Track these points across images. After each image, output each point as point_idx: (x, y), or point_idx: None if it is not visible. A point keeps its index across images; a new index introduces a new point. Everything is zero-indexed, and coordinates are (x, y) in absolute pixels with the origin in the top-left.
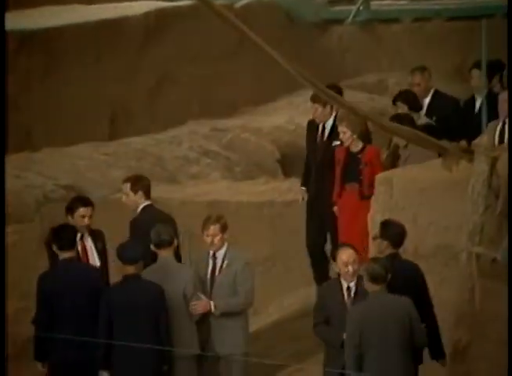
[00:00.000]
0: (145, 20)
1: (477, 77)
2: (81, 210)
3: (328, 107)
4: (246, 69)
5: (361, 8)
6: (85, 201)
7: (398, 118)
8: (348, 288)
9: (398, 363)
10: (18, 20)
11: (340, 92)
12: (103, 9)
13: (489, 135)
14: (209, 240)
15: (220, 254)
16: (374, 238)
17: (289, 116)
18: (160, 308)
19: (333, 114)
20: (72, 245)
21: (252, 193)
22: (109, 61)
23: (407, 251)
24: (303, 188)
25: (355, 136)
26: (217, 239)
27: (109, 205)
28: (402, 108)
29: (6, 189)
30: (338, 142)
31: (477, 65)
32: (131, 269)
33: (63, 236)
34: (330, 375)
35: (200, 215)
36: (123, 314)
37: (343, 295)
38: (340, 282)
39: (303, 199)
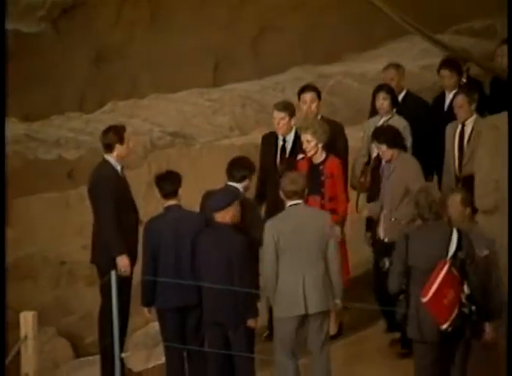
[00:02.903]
0: None
1: (448, 77)
2: None
3: (294, 118)
4: (349, 17)
5: None
6: None
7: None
8: None
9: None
10: None
11: (318, 93)
12: None
13: (449, 141)
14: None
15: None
16: None
17: (393, 61)
18: (245, 257)
19: (294, 127)
20: (175, 193)
21: (354, 138)
22: (213, 9)
23: None
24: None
25: (320, 146)
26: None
27: (215, 151)
28: (385, 99)
29: None
30: (302, 156)
31: (447, 63)
32: (219, 217)
33: (166, 184)
34: None
35: None
36: (208, 258)
37: None
38: None
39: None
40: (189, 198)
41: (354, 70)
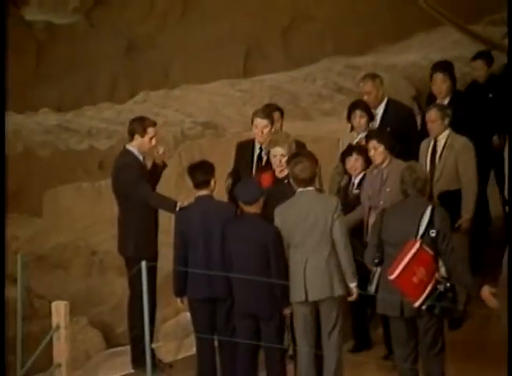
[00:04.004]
0: None
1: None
2: None
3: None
4: (380, 8)
5: None
6: None
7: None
8: None
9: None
10: None
11: (281, 112)
12: None
13: (421, 157)
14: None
15: None
16: None
17: (424, 52)
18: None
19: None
20: (207, 183)
21: None
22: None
23: None
24: None
25: (283, 161)
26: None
27: None
28: (362, 117)
29: None
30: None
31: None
32: (251, 209)
33: (198, 174)
34: None
35: (331, 152)
36: (240, 248)
37: None
38: None
39: None
40: (219, 188)
41: (384, 61)
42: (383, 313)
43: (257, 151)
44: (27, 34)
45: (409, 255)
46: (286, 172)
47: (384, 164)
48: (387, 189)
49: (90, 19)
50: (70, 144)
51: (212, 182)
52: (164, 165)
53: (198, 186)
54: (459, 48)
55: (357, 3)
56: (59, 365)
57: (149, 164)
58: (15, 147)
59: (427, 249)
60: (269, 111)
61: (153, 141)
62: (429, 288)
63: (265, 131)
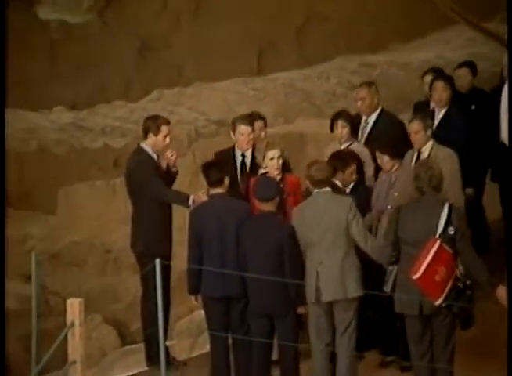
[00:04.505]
0: None
1: (441, 89)
2: None
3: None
4: (394, 6)
5: None
6: None
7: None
8: None
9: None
10: None
11: (265, 121)
12: None
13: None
14: None
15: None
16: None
17: (439, 51)
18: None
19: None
20: (221, 181)
21: None
22: None
23: None
24: None
25: (280, 163)
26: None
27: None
28: (344, 127)
29: None
30: (264, 171)
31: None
32: (266, 206)
33: (212, 172)
34: None
35: None
36: (255, 247)
37: None
38: None
39: None
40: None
41: (399, 60)
42: (400, 312)
43: (239, 158)
44: (41, 32)
45: (431, 254)
46: (279, 176)
47: (393, 169)
48: (395, 194)
49: (103, 17)
50: (85, 142)
51: (226, 180)
52: (176, 171)
53: (212, 184)
54: (473, 46)
55: (369, 2)
56: (74, 362)
57: (163, 165)
58: (29, 145)
59: (447, 248)
60: (251, 119)
61: (167, 139)
62: (449, 286)
63: (250, 137)
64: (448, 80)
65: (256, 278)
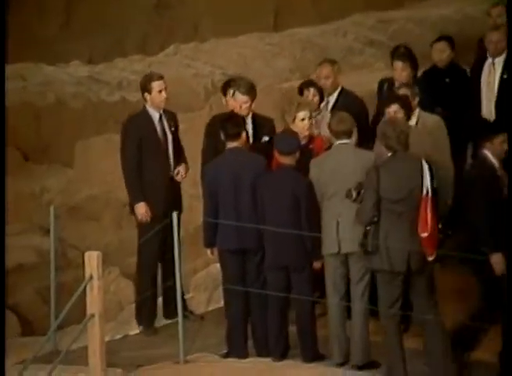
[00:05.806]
0: None
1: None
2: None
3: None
4: None
5: None
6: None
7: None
8: None
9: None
10: None
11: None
12: None
13: None
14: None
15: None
16: None
17: (458, 6)
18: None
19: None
20: (238, 135)
21: None
22: None
23: None
24: None
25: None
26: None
27: (274, 93)
28: (315, 95)
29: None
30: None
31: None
32: (287, 160)
33: (230, 125)
34: None
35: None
36: (273, 200)
37: None
38: None
39: None
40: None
41: (415, 15)
42: (385, 269)
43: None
44: None
45: (429, 211)
46: (305, 138)
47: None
48: None
49: None
50: (102, 95)
51: (243, 134)
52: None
53: (229, 137)
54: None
55: None
56: (93, 316)
57: (170, 125)
58: (46, 98)
59: (434, 202)
60: (248, 88)
61: (163, 94)
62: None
63: (244, 106)
64: (410, 59)
65: (273, 231)
